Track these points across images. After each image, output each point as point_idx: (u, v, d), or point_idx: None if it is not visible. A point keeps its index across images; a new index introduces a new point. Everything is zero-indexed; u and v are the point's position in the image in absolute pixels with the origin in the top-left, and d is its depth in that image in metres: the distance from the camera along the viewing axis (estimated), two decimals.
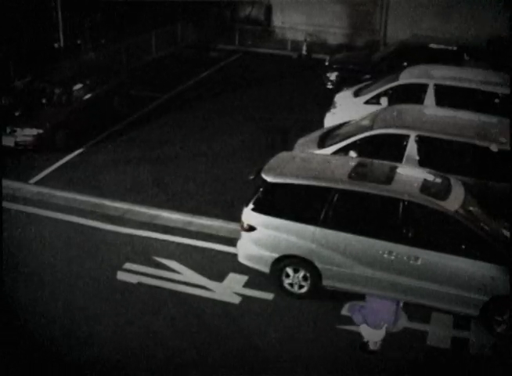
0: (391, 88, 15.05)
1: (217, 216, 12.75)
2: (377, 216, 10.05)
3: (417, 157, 11.89)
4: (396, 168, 10.74)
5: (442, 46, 18.99)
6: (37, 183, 14.15)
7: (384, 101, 14.85)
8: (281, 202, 10.47)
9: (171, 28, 24.99)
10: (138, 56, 22.99)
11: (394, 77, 15.54)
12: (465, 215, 9.74)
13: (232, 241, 11.37)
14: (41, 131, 15.31)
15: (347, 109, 15.20)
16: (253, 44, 25.91)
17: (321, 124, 15.38)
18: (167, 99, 19.75)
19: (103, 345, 9.36)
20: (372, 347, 9.18)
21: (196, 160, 15.37)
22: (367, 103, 15.16)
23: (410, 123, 12.54)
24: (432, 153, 11.94)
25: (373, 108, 14.27)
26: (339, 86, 18.03)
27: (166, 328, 9.73)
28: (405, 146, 11.97)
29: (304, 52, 24.78)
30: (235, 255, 10.95)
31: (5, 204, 12.11)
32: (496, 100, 14.27)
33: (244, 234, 10.56)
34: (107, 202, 13.27)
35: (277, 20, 26.96)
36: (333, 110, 15.70)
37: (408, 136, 12.01)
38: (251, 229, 10.40)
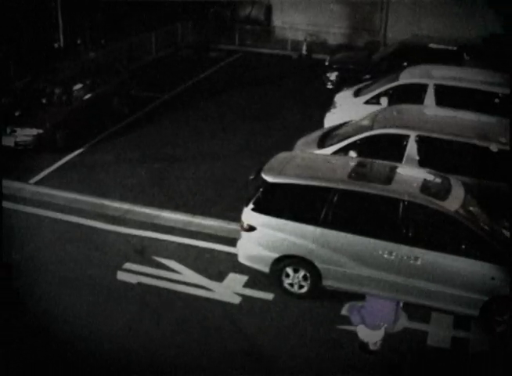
0: (391, 88, 15.05)
1: (217, 216, 12.75)
2: (377, 216, 10.05)
3: (417, 157, 11.89)
4: (396, 168, 10.74)
5: (442, 46, 18.99)
6: (37, 183, 14.15)
7: (383, 101, 14.85)
8: (281, 202, 10.47)
9: (171, 28, 25.01)
10: (138, 56, 23.02)
11: (394, 77, 15.54)
12: (465, 215, 9.74)
13: (232, 241, 11.37)
14: (41, 131, 15.31)
15: (347, 109, 15.20)
16: (253, 44, 25.92)
17: (321, 124, 15.38)
18: (167, 99, 19.76)
19: (103, 344, 9.35)
20: (372, 347, 9.18)
21: (196, 160, 15.37)
22: (367, 103, 15.16)
23: (410, 123, 12.54)
24: (432, 153, 11.94)
25: (373, 108, 14.27)
26: (339, 86, 18.04)
27: (166, 328, 9.73)
28: (405, 146, 11.98)
29: (304, 52, 24.79)
30: (235, 255, 10.95)
31: (5, 204, 12.11)
32: (496, 100, 14.27)
33: (244, 234, 10.56)
34: (107, 202, 13.27)
35: (277, 20, 26.97)
36: (333, 110, 15.71)
37: (408, 136, 12.01)
38: (251, 229, 10.40)
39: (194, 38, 25.82)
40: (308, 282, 10.30)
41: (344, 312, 9.97)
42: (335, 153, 12.37)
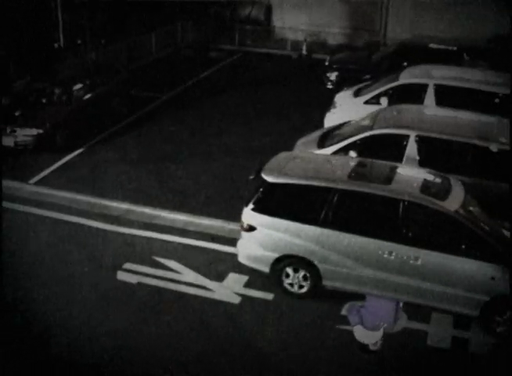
0: (391, 88, 15.05)
1: (217, 216, 12.75)
2: (377, 216, 10.05)
3: (417, 157, 11.89)
4: (396, 168, 10.74)
5: (442, 46, 18.99)
6: (37, 183, 14.15)
7: (383, 101, 14.85)
8: (281, 202, 10.47)
9: (171, 28, 25.00)
10: (138, 56, 23.00)
11: (394, 77, 15.54)
12: (465, 215, 9.74)
13: (232, 241, 11.37)
14: (41, 131, 15.31)
15: (347, 109, 15.20)
16: (253, 44, 25.91)
17: (321, 124, 15.38)
18: (167, 99, 19.76)
19: (103, 344, 9.35)
20: (372, 347, 9.17)
21: (196, 160, 15.37)
22: (367, 103, 15.16)
23: (410, 123, 12.54)
24: (432, 153, 11.94)
25: (373, 108, 14.27)
26: (339, 86, 18.04)
27: (166, 328, 9.73)
28: (405, 146, 11.98)
29: (304, 51, 24.78)
30: (235, 255, 10.95)
31: (5, 204, 12.12)
32: (496, 100, 14.27)
33: (244, 234, 10.56)
34: (107, 202, 13.27)
35: (277, 20, 26.96)
36: (333, 110, 15.71)
37: (408, 136, 12.01)
38: (251, 229, 10.40)
39: (194, 38, 25.81)
40: (308, 282, 10.30)
41: (344, 312, 9.97)
42: (335, 153, 12.37)
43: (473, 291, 9.54)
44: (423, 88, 14.63)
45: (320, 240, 10.02)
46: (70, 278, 10.86)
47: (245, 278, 10.85)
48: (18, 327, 9.52)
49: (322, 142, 13.08)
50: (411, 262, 9.65)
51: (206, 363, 9.09)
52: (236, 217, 11.29)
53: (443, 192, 10.12)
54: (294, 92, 20.25)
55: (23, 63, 19.02)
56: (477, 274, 9.52)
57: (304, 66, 23.57)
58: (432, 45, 19.07)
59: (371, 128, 12.49)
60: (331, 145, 12.69)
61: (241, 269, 10.86)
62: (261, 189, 10.47)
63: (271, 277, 10.51)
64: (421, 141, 11.94)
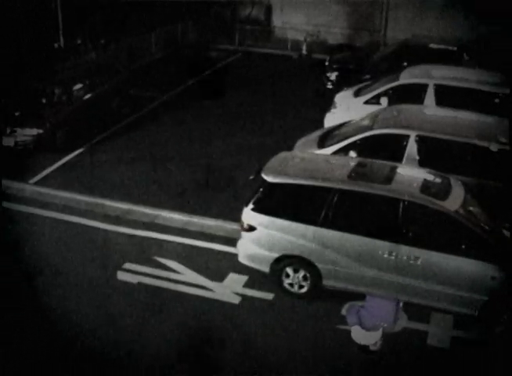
0: (391, 88, 15.05)
1: (217, 216, 12.75)
2: (377, 216, 10.05)
3: (417, 157, 11.89)
4: (396, 168, 10.74)
5: (442, 46, 18.99)
6: (37, 183, 14.15)
7: (383, 101, 14.85)
8: (281, 202, 10.47)
9: (171, 28, 24.99)
10: (138, 56, 22.99)
11: (394, 77, 15.54)
12: (465, 215, 9.74)
13: (232, 241, 11.38)
14: (41, 131, 15.32)
15: (347, 109, 15.21)
16: (253, 44, 25.91)
17: (321, 124, 15.38)
18: (167, 99, 19.76)
19: (103, 344, 9.36)
20: (372, 347, 9.18)
21: (196, 160, 15.37)
22: (367, 103, 15.16)
23: (410, 123, 12.54)
24: (432, 153, 11.94)
25: (373, 108, 14.28)
26: (339, 86, 18.04)
27: (166, 328, 9.73)
28: (405, 146, 11.98)
29: (304, 51, 24.78)
30: (235, 255, 10.95)
31: (5, 204, 12.14)
32: (496, 100, 14.27)
33: (244, 234, 10.56)
34: (107, 202, 13.27)
35: (277, 20, 26.96)
36: (333, 110, 15.71)
37: (408, 136, 12.02)
38: (251, 229, 10.40)
39: (194, 38, 25.80)
40: (308, 282, 10.30)
41: (343, 312, 9.97)
42: (335, 153, 12.37)
43: (473, 290, 9.55)
44: (423, 88, 14.64)
45: (320, 240, 10.02)
46: (70, 278, 10.86)
47: (245, 278, 10.85)
48: (18, 326, 9.51)
49: (322, 142, 13.08)
50: (411, 262, 9.66)
51: (206, 363, 9.09)
52: (236, 217, 11.29)
53: (443, 192, 10.13)
54: (294, 92, 20.24)
55: (23, 63, 19.01)
56: (477, 274, 9.52)
57: (304, 66, 23.55)
58: (432, 45, 19.07)
59: (371, 128, 12.49)
60: (331, 145, 12.69)
61: (241, 269, 10.86)
62: (261, 189, 10.47)
63: (271, 277, 10.51)
64: (421, 141, 11.95)
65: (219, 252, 11.66)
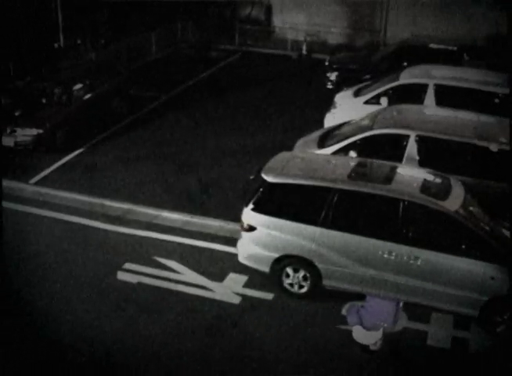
0: (391, 88, 15.05)
1: (217, 216, 12.75)
2: (377, 216, 10.04)
3: (417, 157, 11.89)
4: (396, 168, 10.74)
5: (442, 46, 19.00)
6: (37, 183, 14.16)
7: (383, 101, 14.84)
8: (281, 202, 10.47)
9: (171, 28, 24.99)
10: (138, 56, 22.99)
11: (394, 77, 15.54)
12: (465, 215, 9.74)
13: (232, 241, 11.38)
14: (41, 131, 15.32)
15: (347, 109, 15.20)
16: (253, 44, 25.90)
17: (321, 124, 15.38)
18: (167, 99, 19.75)
19: (103, 344, 9.36)
20: (372, 347, 9.18)
21: (196, 160, 15.37)
22: (367, 103, 15.16)
23: (410, 123, 12.54)
24: (432, 153, 11.94)
25: (373, 108, 14.27)
26: (339, 86, 18.04)
27: (166, 328, 9.73)
28: (405, 146, 11.98)
29: (304, 51, 24.78)
30: (235, 255, 10.95)
31: (5, 204, 12.09)
32: (496, 100, 14.27)
33: (244, 234, 10.56)
34: (107, 202, 13.27)
35: (277, 20, 26.95)
36: (333, 110, 15.71)
37: (408, 136, 12.01)
38: (251, 229, 10.40)
39: (194, 38, 25.79)
40: (308, 282, 10.30)
41: (343, 312, 9.97)
42: (335, 153, 12.37)
43: (473, 291, 9.55)
44: (423, 88, 14.63)
45: (320, 240, 10.02)
46: (70, 278, 10.86)
47: (245, 278, 10.85)
48: (18, 326, 9.51)
49: (322, 142, 13.08)
50: (411, 262, 9.66)
51: (206, 363, 9.09)
52: (236, 217, 11.29)
53: (443, 192, 10.13)
54: (294, 92, 20.24)
55: (23, 63, 19.02)
56: (477, 274, 9.52)
57: (304, 66, 23.55)
58: (432, 45, 19.07)
59: (371, 128, 12.49)
60: (331, 145, 12.68)
61: (241, 269, 10.86)
62: (261, 189, 10.47)
63: (271, 277, 10.51)
64: (421, 141, 11.94)
65: (219, 252, 11.66)
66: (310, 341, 9.52)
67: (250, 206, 10.44)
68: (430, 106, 14.33)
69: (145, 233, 12.24)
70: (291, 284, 10.40)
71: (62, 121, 15.92)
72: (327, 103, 16.26)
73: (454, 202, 9.89)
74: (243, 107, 19.07)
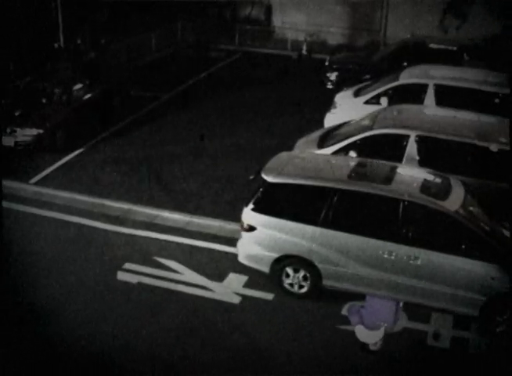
0: (391, 88, 15.05)
1: (217, 216, 12.75)
2: (377, 216, 10.04)
3: (417, 157, 11.89)
4: (396, 168, 10.74)
5: (442, 46, 19.00)
6: (37, 183, 14.15)
7: (384, 101, 14.84)
8: (281, 202, 10.47)
9: (171, 28, 24.99)
10: (138, 56, 23.00)
11: (394, 77, 15.54)
12: (465, 215, 9.74)
13: (232, 241, 11.38)
14: (41, 131, 15.31)
15: (347, 109, 15.20)
16: (253, 44, 25.91)
17: (321, 124, 15.38)
18: (167, 99, 19.76)
19: (103, 344, 9.35)
20: (372, 347, 9.18)
21: (197, 160, 15.37)
22: (367, 103, 15.16)
23: (410, 123, 12.54)
24: (432, 153, 11.94)
25: (373, 108, 14.27)
26: (339, 86, 18.04)
27: (166, 328, 9.73)
28: (405, 146, 11.98)
29: (304, 52, 24.78)
30: (235, 255, 10.95)
31: (5, 204, 12.08)
32: (496, 100, 14.27)
33: (244, 234, 10.56)
34: (107, 202, 13.27)
35: (277, 20, 26.96)
36: (333, 110, 15.71)
37: (408, 136, 12.02)
38: (251, 229, 10.40)
39: (194, 38, 25.80)
40: (308, 282, 10.30)
41: (344, 312, 9.97)
42: (335, 153, 12.37)
43: (473, 290, 9.55)
44: (423, 88, 14.64)
45: (320, 240, 10.02)
46: (70, 278, 10.85)
47: (245, 278, 10.85)
48: (18, 326, 9.51)
49: (322, 142, 13.08)
50: (411, 262, 9.66)
51: (206, 363, 9.08)
52: (236, 217, 11.29)
53: (443, 192, 10.13)
54: (294, 92, 20.24)
55: (23, 63, 19.02)
56: (477, 274, 9.52)
57: (304, 66, 23.55)
58: (432, 45, 19.08)
59: (371, 128, 12.49)
60: (331, 145, 12.68)
61: (241, 269, 10.86)
62: (261, 189, 10.47)
63: (271, 277, 10.51)
64: (421, 141, 11.95)
65: (219, 252, 11.66)
66: (310, 340, 9.51)
67: (250, 206, 10.44)
68: (430, 106, 14.34)
69: (145, 233, 12.24)
70: (291, 284, 10.40)
71: (62, 121, 15.91)
72: (327, 103, 16.27)
73: (454, 202, 9.89)
74: (242, 107, 19.07)
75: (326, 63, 20.26)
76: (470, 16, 23.43)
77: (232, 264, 11.07)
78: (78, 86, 16.96)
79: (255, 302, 10.34)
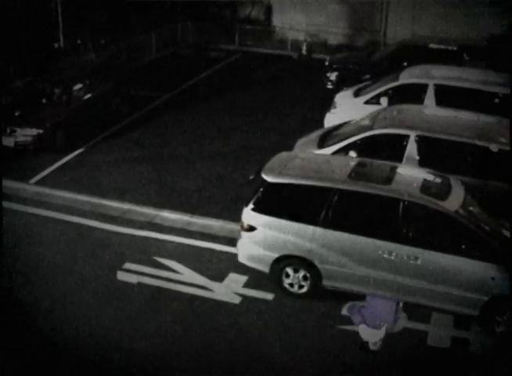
0: (391, 88, 15.05)
1: (217, 216, 12.75)
2: (377, 216, 10.04)
3: (417, 157, 11.89)
4: (396, 168, 10.74)
5: (442, 46, 19.01)
6: (37, 183, 14.15)
7: (383, 101, 14.84)
8: (281, 202, 10.47)
9: (171, 28, 25.00)
10: (138, 56, 23.00)
11: (394, 77, 15.54)
12: (465, 215, 9.74)
13: (232, 241, 11.38)
14: (41, 131, 15.31)
15: (348, 109, 15.20)
16: (253, 44, 25.91)
17: (321, 124, 15.38)
18: (167, 99, 19.76)
19: (103, 344, 9.35)
20: (372, 347, 9.18)
21: (196, 160, 15.37)
22: (367, 103, 15.16)
23: (410, 123, 12.54)
24: (432, 153, 11.94)
25: (373, 108, 14.27)
26: (339, 86, 18.04)
27: (166, 328, 9.73)
28: (405, 146, 11.98)
29: (304, 52, 24.78)
30: (235, 255, 10.95)
31: (5, 204, 12.11)
32: (496, 100, 14.27)
33: (244, 234, 10.56)
34: (107, 202, 13.27)
35: (277, 20, 26.96)
36: (333, 110, 15.70)
37: (408, 136, 12.01)
38: (251, 229, 10.40)
39: (194, 38, 25.81)
40: (308, 282, 10.29)
41: (344, 312, 9.97)
42: (335, 153, 12.37)
43: (473, 291, 9.54)
44: (423, 88, 14.63)
45: (320, 240, 10.02)
46: (70, 278, 10.85)
47: (245, 278, 10.85)
48: (18, 326, 9.51)
49: (322, 142, 13.08)
50: (411, 262, 9.65)
51: (206, 363, 9.08)
52: (236, 217, 11.29)
53: (443, 192, 10.13)
54: (294, 92, 20.24)
55: (23, 63, 19.02)
56: (477, 274, 9.51)
57: (304, 66, 23.55)
58: (432, 45, 19.09)
59: (371, 128, 12.49)
60: (331, 145, 12.68)
61: (241, 269, 10.86)
62: (261, 189, 10.47)
63: (271, 277, 10.51)
64: (421, 141, 11.94)
65: (219, 252, 11.66)
66: (310, 341, 9.51)
67: (250, 206, 10.44)
68: (430, 106, 14.33)
69: (145, 233, 12.24)
70: (291, 284, 10.40)
71: (62, 121, 15.92)
72: (327, 103, 16.27)
73: (454, 202, 9.89)
74: (242, 107, 19.07)
75: (326, 63, 20.26)
76: (471, 16, 23.41)
77: (232, 264, 11.06)
78: (78, 86, 16.96)
79: (255, 302, 10.34)
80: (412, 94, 14.62)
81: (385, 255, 9.73)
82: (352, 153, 12.21)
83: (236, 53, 25.13)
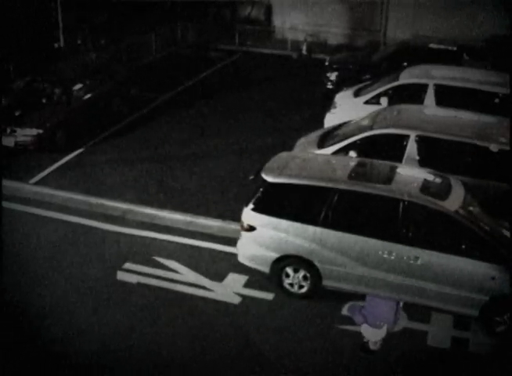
0: (391, 88, 15.04)
1: (217, 216, 12.74)
2: (377, 216, 10.04)
3: (417, 157, 11.89)
4: (396, 168, 10.74)
5: (442, 46, 19.00)
6: (37, 183, 14.16)
7: (383, 101, 14.83)
8: (281, 202, 10.46)
9: (170, 28, 24.98)
10: (138, 56, 22.99)
11: (394, 77, 15.53)
12: (465, 215, 9.74)
13: (232, 241, 11.37)
14: (41, 131, 15.32)
15: (348, 109, 15.19)
16: (253, 44, 25.90)
17: (321, 124, 15.38)
18: (166, 99, 19.75)
19: (103, 344, 9.36)
20: (372, 347, 9.18)
21: (196, 160, 15.37)
22: (367, 103, 15.15)
23: (410, 123, 12.54)
24: (432, 153, 11.94)
25: (373, 108, 14.26)
26: (339, 86, 18.03)
27: (166, 328, 9.73)
28: (405, 146, 11.97)
29: (304, 52, 24.76)
30: (235, 255, 10.95)
31: (5, 204, 12.11)
32: (496, 100, 14.26)
33: (244, 234, 10.56)
34: (107, 202, 13.27)
35: (277, 20, 26.94)
36: (333, 110, 15.70)
37: (408, 136, 12.01)
38: (251, 229, 10.40)
39: (194, 38, 25.80)
40: (308, 282, 10.30)
41: (344, 312, 9.98)
42: (335, 153, 12.37)
43: (473, 291, 9.54)
44: (423, 88, 14.62)
45: (320, 240, 10.02)
46: (69, 278, 10.86)
47: (245, 278, 10.85)
48: (17, 326, 9.51)
49: (322, 142, 13.07)
50: (411, 262, 9.65)
51: (206, 363, 9.09)
52: (236, 217, 11.29)
53: (443, 192, 10.12)
54: (294, 92, 20.23)
55: (23, 63, 19.01)
56: (477, 274, 9.52)
57: (304, 66, 23.53)
58: (432, 45, 19.07)
59: (371, 128, 12.49)
60: (331, 145, 12.68)
61: (241, 269, 10.86)
62: (261, 189, 10.47)
63: (271, 277, 10.51)
64: (421, 141, 11.94)
65: (219, 252, 11.67)
66: (310, 341, 9.52)
67: (250, 206, 10.44)
68: (430, 106, 14.33)
69: (145, 233, 12.24)
70: (291, 284, 10.40)
71: (62, 121, 15.92)
72: (327, 103, 16.26)
73: (454, 202, 9.89)
74: (242, 107, 19.06)
75: (326, 63, 20.24)
76: (471, 16, 23.40)
77: (232, 264, 11.07)
78: (78, 86, 16.97)
79: (255, 302, 10.34)
80: (412, 94, 14.61)
81: (385, 255, 9.73)
82: (352, 153, 12.20)
83: (235, 53, 25.11)
